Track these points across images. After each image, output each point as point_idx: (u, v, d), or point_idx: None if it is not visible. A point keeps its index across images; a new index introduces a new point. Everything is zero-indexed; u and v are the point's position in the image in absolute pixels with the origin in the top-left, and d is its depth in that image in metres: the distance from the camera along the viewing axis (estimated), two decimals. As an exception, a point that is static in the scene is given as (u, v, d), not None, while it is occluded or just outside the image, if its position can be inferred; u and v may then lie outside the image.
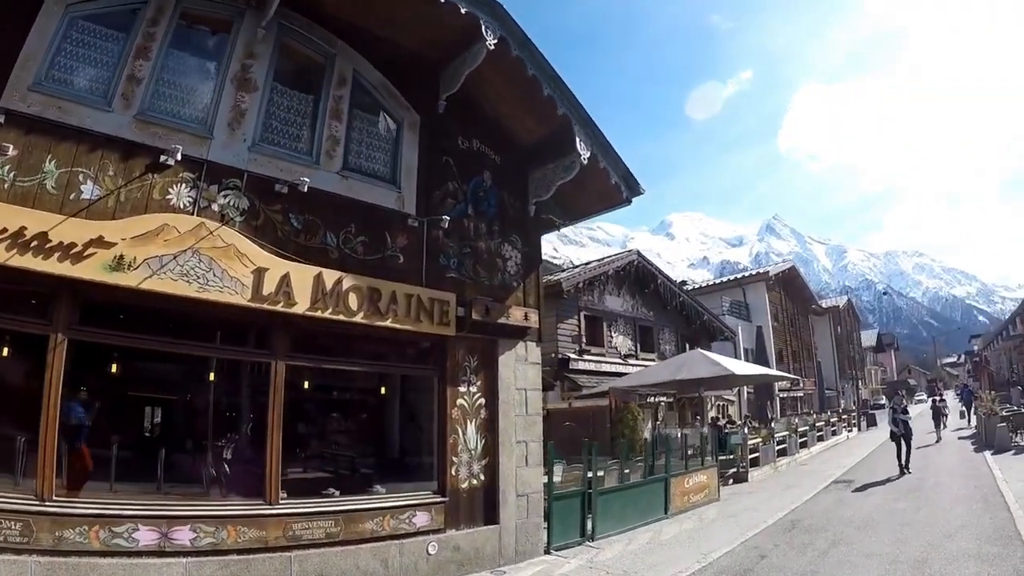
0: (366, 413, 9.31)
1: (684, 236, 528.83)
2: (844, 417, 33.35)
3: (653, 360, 24.15)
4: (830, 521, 10.31)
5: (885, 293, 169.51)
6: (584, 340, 22.66)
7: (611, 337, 24.05)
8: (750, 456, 17.29)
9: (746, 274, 49.90)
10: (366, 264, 8.09)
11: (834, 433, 27.87)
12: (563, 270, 24.48)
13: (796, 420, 23.57)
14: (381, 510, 7.80)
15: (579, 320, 22.73)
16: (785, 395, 42.36)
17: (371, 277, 7.99)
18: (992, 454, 16.50)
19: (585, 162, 9.37)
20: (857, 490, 13.52)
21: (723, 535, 10.01)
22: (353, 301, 7.70)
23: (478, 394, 9.18)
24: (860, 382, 71.47)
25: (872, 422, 36.47)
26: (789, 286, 47.53)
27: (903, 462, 15.33)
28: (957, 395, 41.98)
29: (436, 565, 8.00)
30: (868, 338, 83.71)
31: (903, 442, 15.52)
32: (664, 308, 26.66)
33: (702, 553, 8.95)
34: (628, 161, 9.91)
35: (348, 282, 7.70)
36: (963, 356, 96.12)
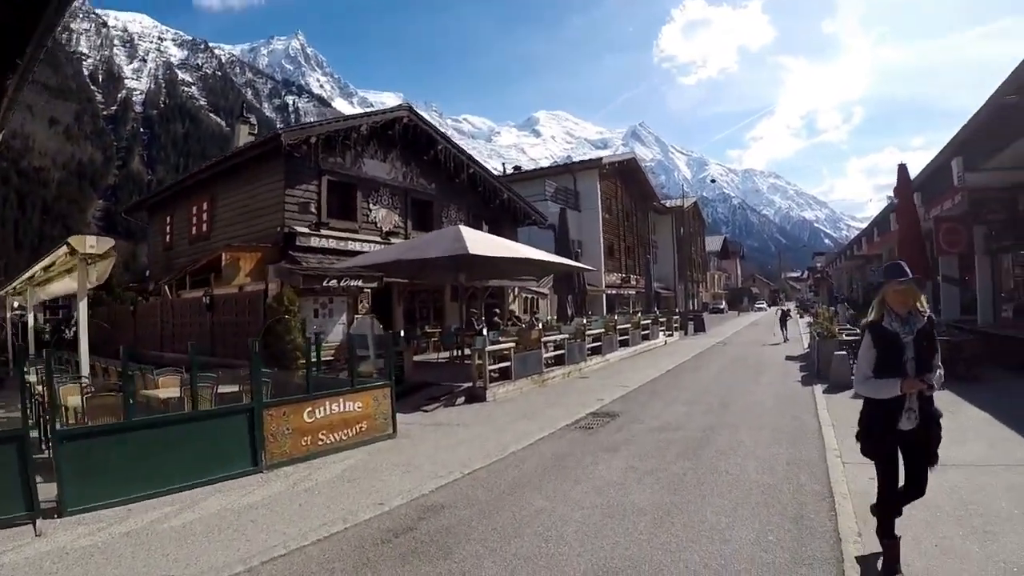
0: None
1: (550, 134, 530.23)
2: (663, 320, 28.20)
3: (429, 242, 19.48)
4: (494, 519, 5.42)
5: (713, 181, 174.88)
6: (325, 211, 17.47)
7: (368, 210, 19.02)
8: (498, 367, 12.95)
9: (577, 160, 46.31)
10: None
11: (645, 338, 23.49)
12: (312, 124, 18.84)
13: (585, 321, 19.26)
14: None
15: (320, 187, 17.43)
16: (613, 292, 39.68)
17: None
18: (824, 391, 11.92)
19: None
20: (607, 436, 8.77)
21: (270, 532, 5.29)
22: None
23: None
24: (702, 285, 71.89)
25: (700, 327, 33.19)
26: (628, 179, 44.29)
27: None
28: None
29: None
30: (714, 243, 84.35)
31: (909, 463, 4.09)
32: (451, 181, 21.82)
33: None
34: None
35: None
36: (806, 271, 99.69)
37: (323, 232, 17.24)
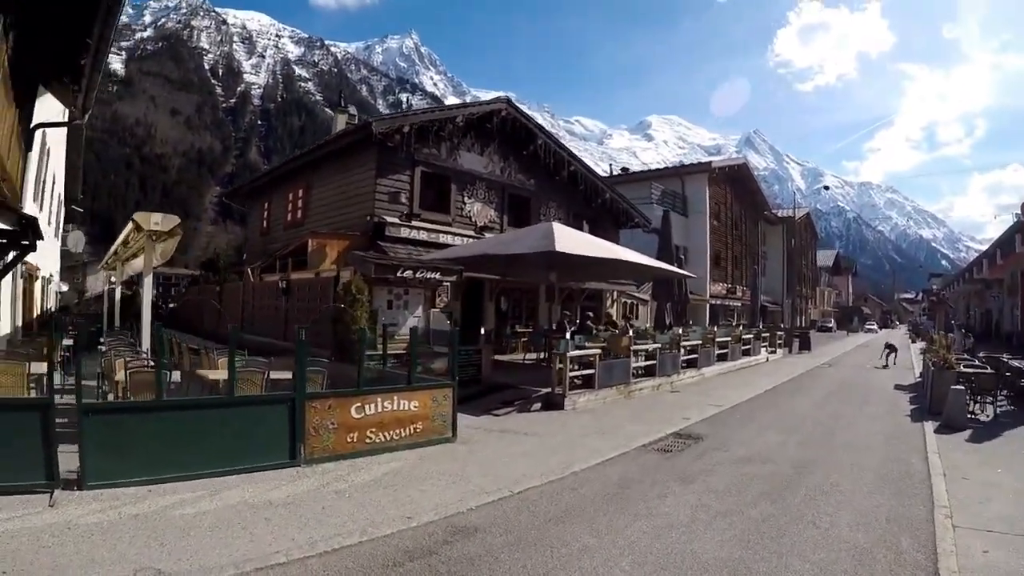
0: None
1: (663, 139, 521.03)
2: (766, 336, 26.01)
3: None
4: (528, 554, 4.57)
5: (826, 188, 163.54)
6: (417, 202, 16.80)
7: (463, 203, 18.21)
8: (581, 374, 11.86)
9: (687, 163, 44.18)
10: None
11: (746, 353, 21.82)
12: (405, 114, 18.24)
13: (681, 331, 17.52)
14: None
15: (412, 177, 16.78)
16: (717, 303, 37.46)
17: None
18: (936, 430, 10.22)
19: None
20: (684, 463, 7.62)
21: (279, 535, 4.72)
22: None
23: None
24: (811, 301, 67.57)
25: (806, 345, 30.27)
26: (738, 185, 41.87)
27: None
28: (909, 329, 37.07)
29: None
30: (825, 257, 79.33)
31: None
32: (550, 177, 20.76)
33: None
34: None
35: None
36: (920, 293, 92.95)
37: (414, 223, 16.58)
